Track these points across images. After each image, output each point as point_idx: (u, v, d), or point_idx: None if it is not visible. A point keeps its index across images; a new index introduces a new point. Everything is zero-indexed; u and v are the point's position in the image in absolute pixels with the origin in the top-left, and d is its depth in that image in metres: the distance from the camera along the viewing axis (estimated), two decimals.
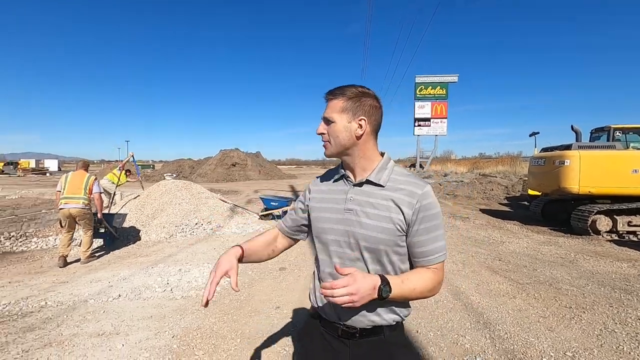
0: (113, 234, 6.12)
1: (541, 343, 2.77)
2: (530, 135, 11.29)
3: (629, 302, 3.57)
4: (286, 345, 2.76)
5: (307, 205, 1.22)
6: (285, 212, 8.33)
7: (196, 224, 7.63)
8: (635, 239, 6.65)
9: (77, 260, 5.28)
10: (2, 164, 49.84)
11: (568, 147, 7.27)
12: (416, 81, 33.50)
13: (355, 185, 1.10)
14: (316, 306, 1.18)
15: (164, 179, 13.30)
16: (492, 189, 14.20)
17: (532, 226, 7.97)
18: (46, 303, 3.58)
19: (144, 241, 6.70)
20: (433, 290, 1.04)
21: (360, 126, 1.06)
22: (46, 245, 6.53)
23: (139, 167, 10.93)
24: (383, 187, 1.06)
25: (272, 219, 8.81)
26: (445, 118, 33.55)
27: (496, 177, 16.89)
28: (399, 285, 0.98)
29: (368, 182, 1.08)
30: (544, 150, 8.58)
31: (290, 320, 3.22)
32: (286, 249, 1.31)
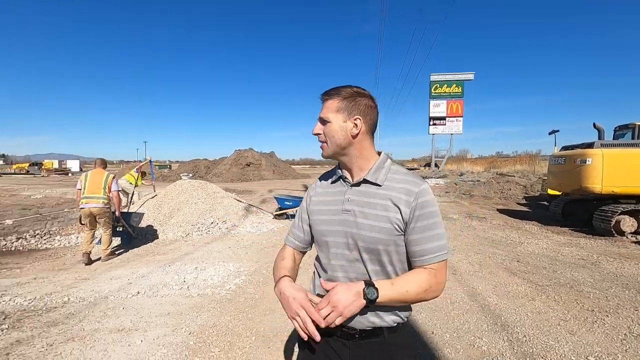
0: (130, 233, 6.28)
1: (562, 347, 2.69)
2: (550, 134, 10.99)
3: None
4: None
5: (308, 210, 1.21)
6: None
7: (212, 223, 7.75)
8: None
9: (99, 259, 5.44)
10: (28, 164, 51.87)
11: (590, 145, 7.04)
12: (431, 79, 33.07)
13: (352, 185, 1.10)
14: None
15: (181, 178, 13.55)
16: (510, 189, 13.88)
17: (552, 227, 7.75)
18: (69, 299, 3.70)
19: (162, 240, 6.85)
20: (430, 292, 1.00)
21: (356, 125, 1.06)
22: (68, 243, 6.75)
23: (154, 171, 11.19)
24: (380, 186, 1.06)
25: (286, 218, 8.86)
26: (461, 116, 33.01)
27: (514, 176, 16.50)
28: (388, 287, 0.97)
29: (365, 181, 1.08)
30: (565, 148, 8.34)
31: None
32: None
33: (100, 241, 5.57)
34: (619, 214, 6.55)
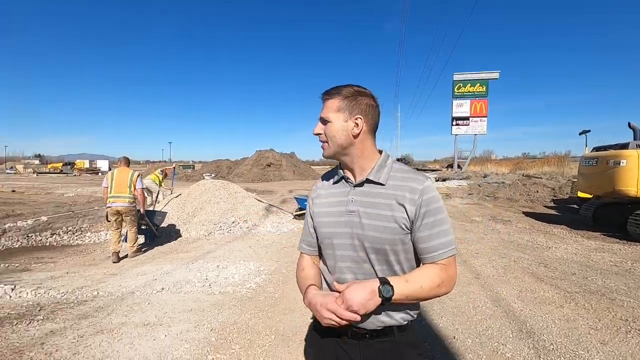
0: (154, 231, 6.47)
1: (592, 357, 2.57)
2: (581, 134, 10.56)
3: None
4: None
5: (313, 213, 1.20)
6: None
7: (233, 222, 7.89)
8: None
9: (126, 256, 5.65)
10: (61, 164, 54.56)
11: (625, 146, 6.70)
12: (454, 79, 32.40)
13: (355, 186, 1.09)
14: None
15: (203, 178, 13.88)
16: (537, 191, 13.39)
17: (582, 231, 7.42)
18: (98, 293, 3.86)
19: (185, 238, 7.03)
20: (443, 287, 1.00)
21: (357, 125, 1.05)
22: (98, 239, 7.04)
23: (175, 178, 11.56)
24: (383, 185, 1.05)
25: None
26: (485, 116, 32.16)
27: (541, 178, 15.92)
28: (403, 285, 0.96)
29: (368, 181, 1.07)
30: (597, 149, 7.98)
31: None
32: None
33: (126, 239, 5.78)
34: None
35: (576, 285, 4.09)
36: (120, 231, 5.59)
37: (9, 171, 50.19)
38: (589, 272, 4.55)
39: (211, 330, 3.02)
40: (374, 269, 1.04)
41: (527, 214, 9.94)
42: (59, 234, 7.15)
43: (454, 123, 32.77)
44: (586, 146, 9.13)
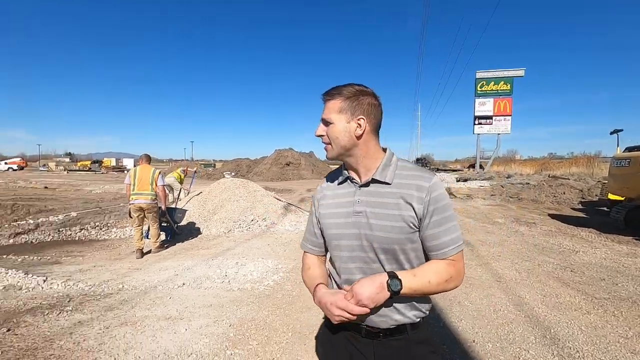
0: (174, 229, 6.62)
1: None
2: (612, 133, 10.07)
3: None
4: None
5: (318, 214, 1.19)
6: None
7: (252, 220, 7.99)
8: None
9: (149, 252, 5.83)
10: (90, 162, 56.94)
11: None
12: (477, 77, 31.63)
13: (361, 186, 1.08)
14: None
15: (224, 177, 14.13)
16: (564, 193, 12.89)
17: (613, 235, 7.08)
18: (123, 286, 4.01)
19: (205, 235, 7.19)
20: (451, 281, 1.02)
21: (359, 125, 1.04)
22: (123, 235, 7.30)
23: (195, 180, 11.87)
24: (390, 184, 1.04)
25: None
26: (510, 115, 31.26)
27: (569, 179, 15.31)
28: (411, 279, 0.97)
29: (374, 181, 1.06)
30: (629, 149, 7.60)
31: None
32: None
33: (148, 235, 5.95)
34: None
35: (605, 291, 3.92)
36: (142, 228, 5.77)
37: (42, 169, 52.90)
38: (620, 278, 4.35)
39: (230, 325, 3.08)
40: (384, 268, 1.04)
41: (553, 216, 9.59)
42: (87, 229, 7.46)
43: (476, 122, 32.00)
44: (618, 146, 8.69)
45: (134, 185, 5.59)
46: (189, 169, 10.74)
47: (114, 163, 58.21)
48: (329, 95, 1.07)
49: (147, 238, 5.93)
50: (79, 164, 59.92)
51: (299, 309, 3.47)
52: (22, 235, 6.57)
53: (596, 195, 12.14)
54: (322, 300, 1.04)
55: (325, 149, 1.10)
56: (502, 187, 15.71)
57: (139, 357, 2.53)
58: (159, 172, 5.84)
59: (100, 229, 7.64)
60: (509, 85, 31.03)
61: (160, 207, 5.97)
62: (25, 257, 5.33)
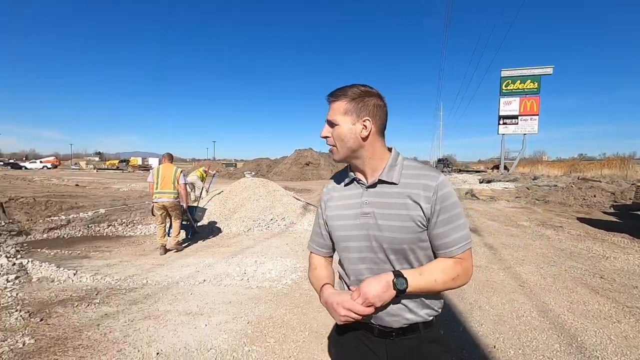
0: (194, 227, 6.76)
1: None
2: None
3: None
4: None
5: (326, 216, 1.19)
6: None
7: (271, 219, 8.08)
8: None
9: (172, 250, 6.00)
10: (118, 161, 59.24)
11: None
12: (502, 75, 30.70)
13: (368, 187, 1.07)
14: None
15: (244, 176, 14.36)
16: (594, 195, 12.32)
17: None
18: (147, 281, 4.15)
19: (226, 233, 7.33)
20: (458, 279, 1.02)
21: (365, 127, 1.03)
22: (148, 231, 7.55)
23: (213, 181, 12.14)
24: (397, 184, 1.03)
25: None
26: (537, 115, 30.16)
27: (600, 181, 14.62)
28: (417, 278, 0.98)
29: (381, 181, 1.05)
30: None
31: None
32: None
33: (170, 232, 6.10)
34: None
35: (638, 299, 3.72)
36: (165, 225, 5.93)
37: (73, 167, 55.49)
38: None
39: (248, 322, 3.13)
40: (393, 268, 1.04)
41: (582, 220, 9.18)
42: (114, 226, 7.76)
43: (501, 122, 31.07)
44: None
45: (157, 184, 5.74)
46: (209, 170, 10.99)
47: (140, 162, 60.40)
48: (333, 96, 1.06)
49: (169, 236, 6.09)
50: (107, 162, 62.48)
51: (316, 308, 3.48)
52: (55, 231, 6.91)
53: (630, 199, 11.53)
54: (328, 300, 1.04)
55: (331, 151, 1.09)
56: (528, 189, 15.18)
57: (161, 350, 2.61)
58: (181, 171, 5.99)
59: (127, 225, 7.93)
60: (536, 84, 29.94)
61: (182, 206, 6.11)
62: (58, 251, 5.60)
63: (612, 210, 10.82)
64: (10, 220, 7.00)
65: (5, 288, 3.70)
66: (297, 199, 10.07)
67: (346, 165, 1.16)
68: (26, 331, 2.81)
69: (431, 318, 1.07)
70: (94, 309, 3.31)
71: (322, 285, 1.12)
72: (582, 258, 5.38)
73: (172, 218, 5.90)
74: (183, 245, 6.08)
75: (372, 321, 1.07)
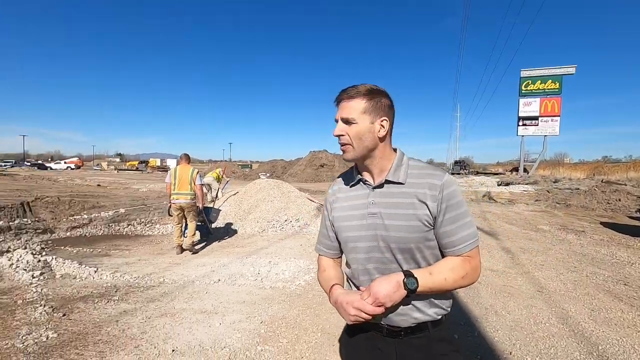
0: (208, 228, 6.85)
1: None
2: None
3: None
4: None
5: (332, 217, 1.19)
6: None
7: (285, 220, 8.13)
8: None
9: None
10: (137, 162, 60.82)
11: None
12: (522, 75, 30.02)
13: (375, 187, 1.08)
14: None
15: (259, 177, 14.50)
16: (619, 199, 11.86)
17: None
18: (164, 280, 4.25)
19: (241, 233, 7.42)
20: (467, 278, 1.02)
21: (383, 127, 1.04)
22: (165, 231, 7.72)
23: (226, 185, 12.32)
24: (403, 184, 1.04)
25: None
26: (558, 116, 29.33)
27: (625, 184, 14.09)
28: (427, 277, 0.98)
29: (387, 182, 1.06)
30: None
31: None
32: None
33: (185, 233, 6.20)
34: None
35: None
36: (182, 226, 6.04)
37: (95, 168, 57.37)
38: None
39: (261, 322, 3.16)
40: (401, 268, 1.04)
41: (605, 224, 8.86)
42: (134, 225, 7.98)
43: (521, 123, 30.35)
44: None
45: (174, 185, 5.84)
46: (225, 174, 11.16)
47: (158, 163, 61.85)
48: (348, 94, 1.05)
49: (185, 237, 6.20)
50: (127, 163, 64.32)
51: (328, 309, 3.49)
52: (78, 229, 7.16)
53: None
54: (338, 300, 1.05)
55: (344, 150, 1.07)
56: (548, 192, 14.77)
57: (177, 347, 2.67)
58: (197, 172, 6.09)
59: (145, 225, 8.13)
60: (557, 84, 29.11)
61: (198, 206, 6.21)
62: (80, 248, 5.80)
63: (638, 215, 10.40)
64: (36, 219, 7.29)
65: (31, 283, 3.86)
66: (311, 200, 10.10)
67: (352, 166, 1.17)
68: (50, 325, 2.92)
69: (440, 317, 1.07)
70: (113, 306, 3.41)
71: (332, 286, 1.12)
72: (605, 264, 5.19)
73: (188, 219, 5.99)
74: (198, 247, 6.17)
75: (380, 321, 1.07)
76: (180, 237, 5.91)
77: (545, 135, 29.85)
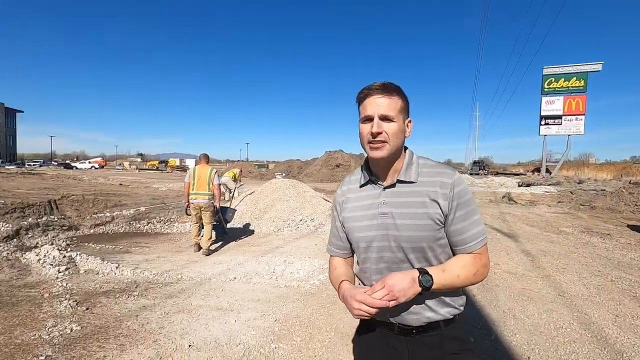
0: (224, 227, 6.93)
1: None
2: None
3: None
4: None
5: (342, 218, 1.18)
6: None
7: (301, 220, 8.17)
8: None
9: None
10: (157, 162, 62.38)
11: None
12: (544, 73, 29.12)
13: (386, 187, 1.08)
14: None
15: (275, 177, 14.62)
16: None
17: None
18: (182, 277, 4.35)
19: (256, 232, 7.51)
20: (478, 274, 1.03)
21: (408, 127, 1.07)
22: (184, 229, 7.89)
23: (240, 187, 12.48)
24: (415, 183, 1.04)
25: None
26: (583, 114, 28.31)
27: None
28: (441, 274, 0.98)
29: (399, 181, 1.06)
30: None
31: None
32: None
33: (202, 233, 6.30)
34: None
35: None
36: (199, 225, 6.13)
37: (117, 167, 59.23)
38: None
39: (275, 320, 3.20)
40: (413, 267, 1.04)
41: (633, 227, 8.49)
42: (153, 223, 8.19)
43: (543, 122, 29.44)
44: None
45: (193, 185, 5.93)
46: (241, 173, 11.33)
47: (177, 163, 63.21)
48: (387, 90, 1.02)
49: (202, 236, 6.30)
50: (148, 163, 66.01)
51: (342, 309, 3.49)
52: (101, 227, 7.41)
53: None
54: (344, 294, 1.06)
55: (379, 147, 1.02)
56: (572, 193, 14.28)
57: (193, 343, 2.74)
58: (215, 172, 6.17)
59: (164, 223, 8.33)
60: (582, 82, 28.09)
61: (215, 206, 6.30)
62: (102, 245, 6.01)
63: None
64: (62, 216, 7.60)
65: (57, 278, 4.03)
66: (326, 200, 10.11)
67: (360, 166, 1.18)
68: (73, 318, 3.04)
69: (452, 316, 1.07)
70: (133, 301, 3.52)
71: (341, 282, 1.13)
72: (632, 268, 4.99)
73: (204, 220, 6.02)
74: (214, 246, 6.25)
75: (392, 319, 1.08)
76: (198, 235, 6.01)
77: (569, 135, 28.87)
